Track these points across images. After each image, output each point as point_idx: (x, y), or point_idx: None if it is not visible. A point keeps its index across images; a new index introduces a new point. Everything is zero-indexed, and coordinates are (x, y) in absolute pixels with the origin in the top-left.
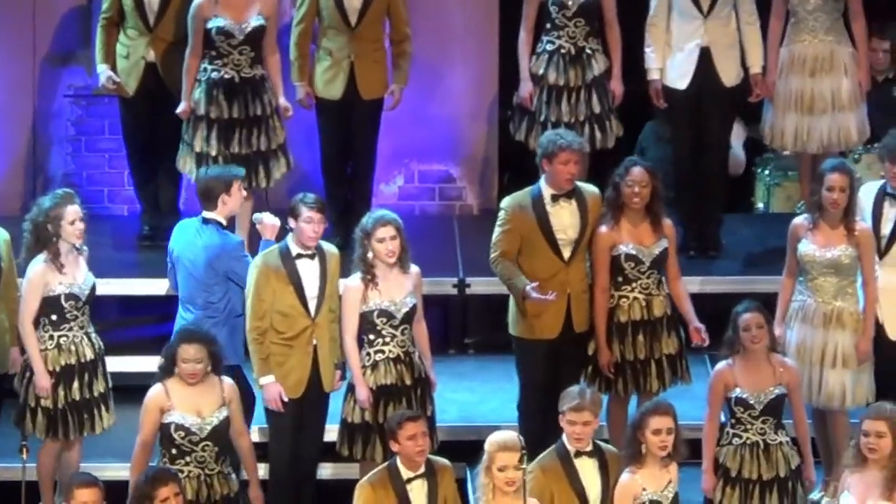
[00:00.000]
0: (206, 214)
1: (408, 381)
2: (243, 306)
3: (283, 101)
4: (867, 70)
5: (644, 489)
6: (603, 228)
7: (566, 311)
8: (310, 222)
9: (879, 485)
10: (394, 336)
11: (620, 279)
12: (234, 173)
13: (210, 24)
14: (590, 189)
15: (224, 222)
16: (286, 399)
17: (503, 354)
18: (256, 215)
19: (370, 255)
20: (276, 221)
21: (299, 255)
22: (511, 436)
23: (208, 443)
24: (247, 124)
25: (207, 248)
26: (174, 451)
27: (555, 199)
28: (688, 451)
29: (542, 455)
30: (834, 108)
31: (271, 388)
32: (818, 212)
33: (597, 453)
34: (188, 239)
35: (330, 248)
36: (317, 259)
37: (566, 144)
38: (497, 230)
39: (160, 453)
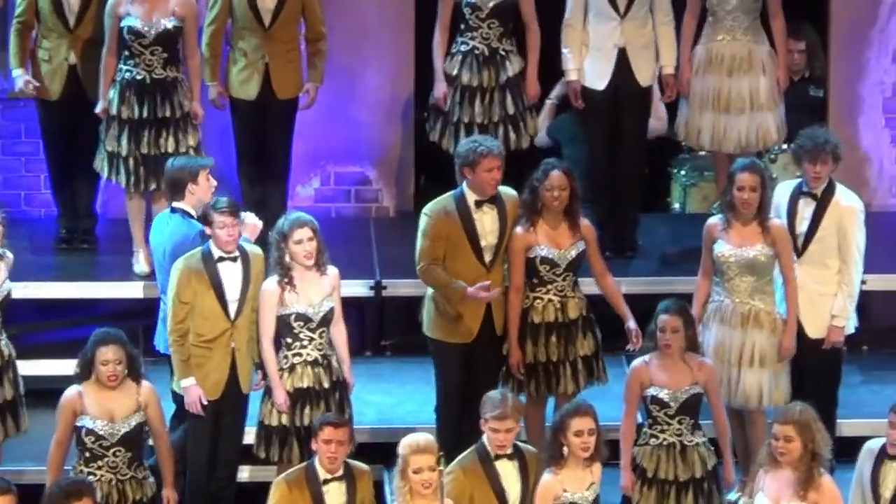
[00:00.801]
0: (175, 204)
1: (325, 384)
2: None
3: (195, 105)
4: (786, 68)
5: (565, 490)
6: (519, 230)
7: (486, 314)
8: (223, 227)
9: (792, 484)
10: (311, 339)
11: (535, 281)
12: (201, 163)
13: (123, 23)
14: (508, 193)
15: (192, 212)
16: (206, 402)
17: (420, 356)
18: (241, 214)
19: (287, 257)
20: (259, 223)
21: (221, 258)
22: (425, 438)
23: (120, 448)
24: (156, 125)
25: (172, 236)
26: (87, 454)
27: (478, 204)
28: (608, 453)
29: (462, 456)
30: (752, 108)
31: (192, 391)
32: (731, 212)
33: (516, 455)
34: (159, 229)
35: (254, 250)
36: (239, 262)
37: (487, 151)
38: (422, 238)
39: (77, 454)
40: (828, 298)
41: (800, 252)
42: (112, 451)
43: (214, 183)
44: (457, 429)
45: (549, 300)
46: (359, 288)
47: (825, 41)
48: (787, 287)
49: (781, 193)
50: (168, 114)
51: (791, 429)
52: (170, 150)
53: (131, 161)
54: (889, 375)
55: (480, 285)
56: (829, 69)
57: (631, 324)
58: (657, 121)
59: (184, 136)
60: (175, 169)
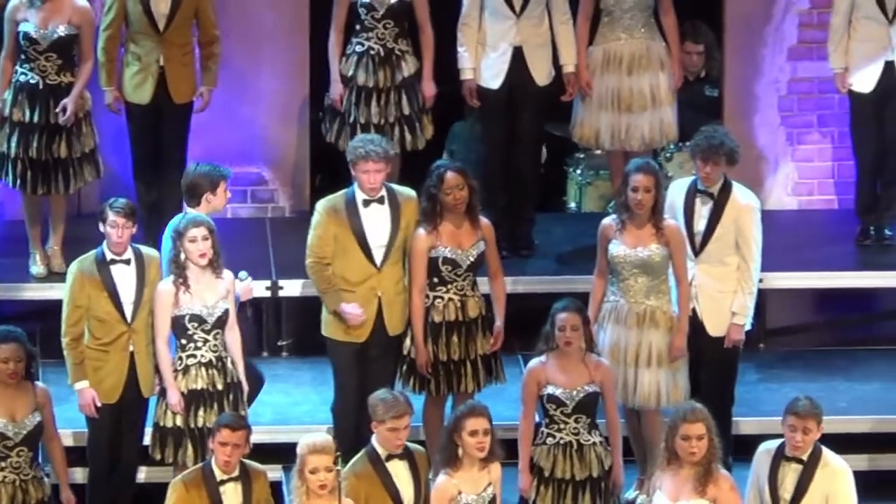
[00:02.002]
0: (188, 209)
1: (219, 386)
2: None
3: (63, 104)
4: (680, 63)
5: (460, 492)
6: (421, 231)
7: (377, 314)
8: (115, 227)
9: (691, 481)
10: (206, 341)
11: (436, 280)
12: (222, 173)
13: (19, 28)
14: (405, 193)
15: None
16: (99, 404)
17: (317, 356)
18: (242, 273)
19: (182, 256)
20: (251, 285)
21: (113, 261)
22: (323, 438)
23: (23, 448)
24: (47, 130)
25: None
26: None
27: (367, 203)
28: (504, 452)
29: (353, 461)
30: (654, 104)
31: (85, 394)
32: (625, 212)
33: (407, 455)
34: (168, 233)
35: (149, 253)
36: (133, 264)
37: (364, 154)
38: (311, 233)
39: None
40: (727, 297)
41: (698, 251)
42: (16, 450)
43: (229, 195)
44: (353, 428)
45: (450, 299)
46: (255, 289)
47: (720, 40)
48: (680, 288)
49: (676, 191)
50: (61, 119)
51: (702, 426)
52: (62, 155)
53: (19, 164)
54: (786, 373)
55: (354, 312)
56: (724, 68)
57: (499, 323)
58: None
59: (78, 140)
60: (196, 175)
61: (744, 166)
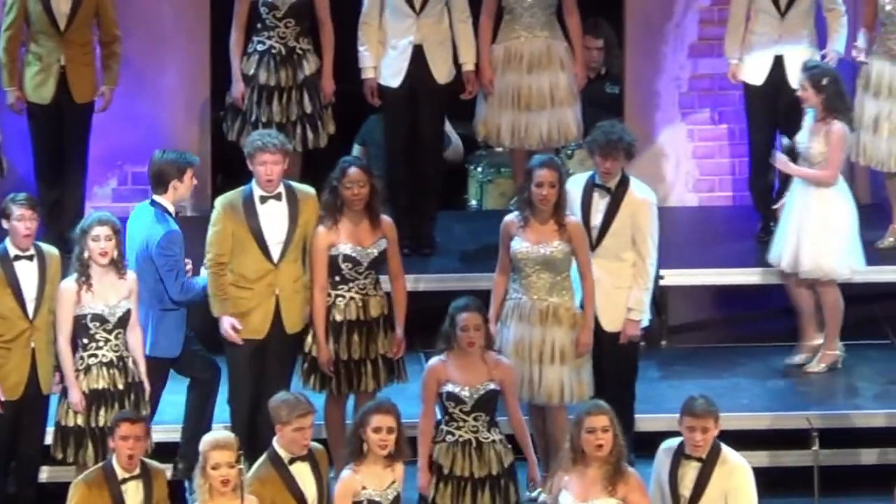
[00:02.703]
0: (154, 197)
1: (120, 386)
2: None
3: None
4: (582, 64)
5: (364, 487)
6: (321, 229)
7: (275, 312)
8: (21, 220)
9: (600, 481)
10: (107, 340)
11: (337, 279)
12: (189, 160)
13: None
14: (304, 190)
15: (171, 209)
16: (3, 399)
17: (218, 355)
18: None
19: (86, 254)
20: None
21: (17, 257)
22: (225, 435)
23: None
24: None
25: (142, 231)
26: None
27: (264, 199)
28: (409, 451)
29: (256, 466)
30: (553, 104)
31: None
32: (528, 209)
33: (309, 455)
34: (137, 219)
35: (50, 250)
36: (35, 260)
37: (261, 145)
38: (210, 230)
39: None
40: (623, 292)
41: (594, 245)
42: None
43: (195, 182)
44: (249, 425)
45: (351, 298)
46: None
47: (621, 37)
48: (584, 284)
49: (574, 186)
50: None
51: (606, 418)
52: None
53: None
54: (687, 370)
55: (230, 332)
56: (625, 65)
57: (399, 332)
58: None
59: None
60: (163, 162)
61: (645, 163)
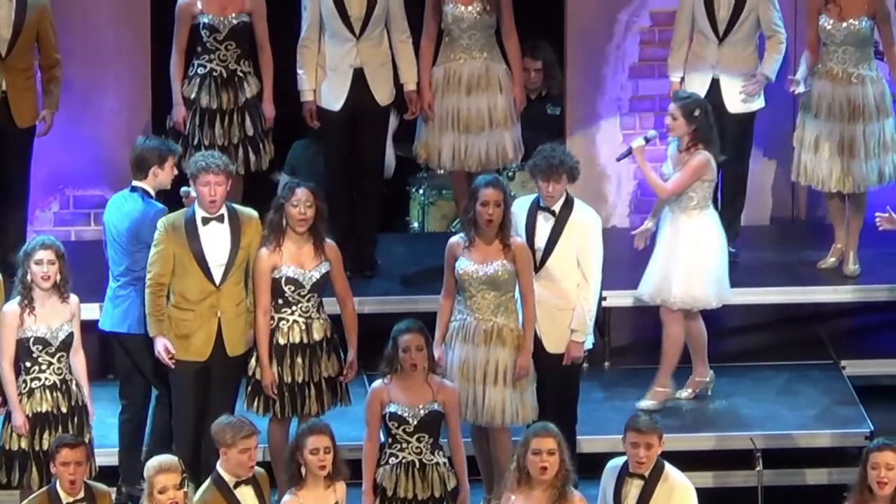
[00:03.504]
0: (135, 183)
1: (64, 409)
2: None
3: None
4: (521, 87)
5: None
6: (264, 251)
7: (217, 334)
8: None
9: (546, 503)
10: (50, 363)
11: (280, 301)
12: (170, 148)
13: None
14: (247, 212)
15: (151, 192)
16: None
17: None
18: (184, 189)
19: (28, 277)
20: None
21: None
22: (169, 458)
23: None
24: None
25: (130, 215)
26: None
27: (206, 221)
28: (349, 472)
29: (201, 491)
30: (491, 126)
31: None
32: (473, 228)
33: (252, 479)
34: (116, 207)
35: None
36: None
37: (205, 166)
38: (152, 250)
39: None
40: (566, 313)
41: (538, 267)
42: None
43: (176, 172)
44: (192, 446)
45: (295, 321)
46: (98, 312)
47: (561, 58)
48: (525, 306)
49: (518, 208)
50: None
51: (552, 441)
52: None
53: None
54: (629, 391)
55: (163, 353)
56: (565, 86)
57: (351, 355)
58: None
59: None
60: (145, 148)
61: (586, 184)
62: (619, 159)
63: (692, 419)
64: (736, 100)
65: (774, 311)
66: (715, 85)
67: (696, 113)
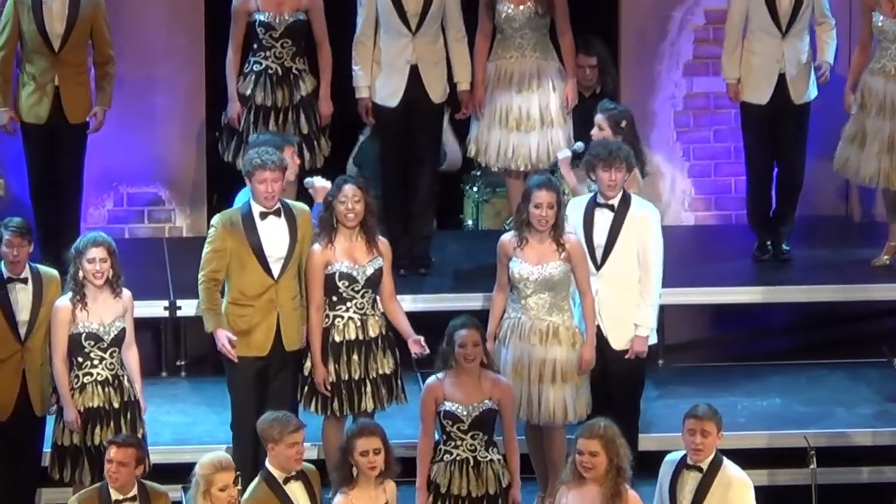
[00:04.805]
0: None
1: (115, 404)
2: None
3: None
4: (574, 86)
5: None
6: (316, 247)
7: (276, 328)
8: (10, 246)
9: (598, 500)
10: (102, 359)
11: (335, 299)
12: (287, 139)
13: None
14: (299, 206)
15: None
16: None
17: (216, 376)
18: (308, 179)
19: (80, 274)
20: (327, 184)
21: (10, 279)
22: (225, 456)
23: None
24: None
25: None
26: None
27: (263, 216)
28: (400, 469)
29: (251, 487)
30: (543, 125)
31: None
32: (526, 229)
33: (302, 474)
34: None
35: (48, 273)
36: (30, 283)
37: (261, 163)
38: (206, 247)
39: None
40: (630, 309)
41: (599, 264)
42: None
43: (298, 161)
44: (252, 446)
45: (350, 318)
46: (153, 308)
47: (615, 56)
48: (584, 301)
49: (575, 208)
50: None
51: (597, 443)
52: None
53: None
54: (684, 390)
55: (226, 344)
56: (619, 84)
57: (414, 336)
58: (454, 162)
59: None
60: (262, 143)
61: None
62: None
63: (745, 417)
64: (801, 92)
65: (828, 309)
66: (781, 80)
67: (623, 124)
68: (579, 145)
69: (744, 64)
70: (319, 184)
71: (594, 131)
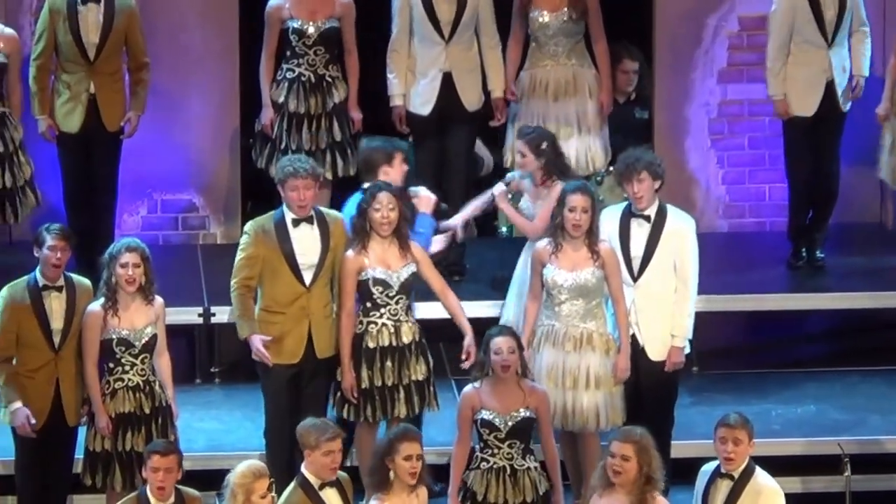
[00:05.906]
0: (366, 185)
1: (147, 410)
2: None
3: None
4: (609, 92)
5: None
6: (350, 253)
7: (307, 336)
8: (53, 250)
9: None
10: (133, 364)
11: (369, 305)
12: (396, 146)
13: None
14: (333, 214)
15: None
16: (34, 421)
17: (250, 383)
18: (412, 188)
19: (113, 279)
20: (432, 196)
21: (46, 287)
22: (258, 463)
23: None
24: None
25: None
26: None
27: (296, 223)
28: (433, 478)
29: (287, 493)
30: (580, 131)
31: (19, 414)
32: (561, 235)
33: (336, 482)
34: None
35: (81, 282)
36: (64, 292)
37: (293, 171)
38: (239, 254)
39: None
40: (667, 320)
41: (636, 275)
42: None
43: (406, 167)
44: (286, 452)
45: (384, 324)
46: (187, 315)
47: (649, 63)
48: (617, 309)
49: (610, 217)
50: (1, 149)
51: (630, 448)
52: (7, 185)
53: None
54: (717, 396)
55: (262, 349)
56: (654, 91)
57: (468, 339)
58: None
59: (20, 169)
60: (369, 149)
61: (675, 189)
62: (486, 204)
63: (780, 424)
64: (846, 99)
65: (862, 316)
66: (828, 88)
67: (544, 146)
68: (512, 175)
69: (789, 78)
70: (424, 193)
71: (517, 158)
